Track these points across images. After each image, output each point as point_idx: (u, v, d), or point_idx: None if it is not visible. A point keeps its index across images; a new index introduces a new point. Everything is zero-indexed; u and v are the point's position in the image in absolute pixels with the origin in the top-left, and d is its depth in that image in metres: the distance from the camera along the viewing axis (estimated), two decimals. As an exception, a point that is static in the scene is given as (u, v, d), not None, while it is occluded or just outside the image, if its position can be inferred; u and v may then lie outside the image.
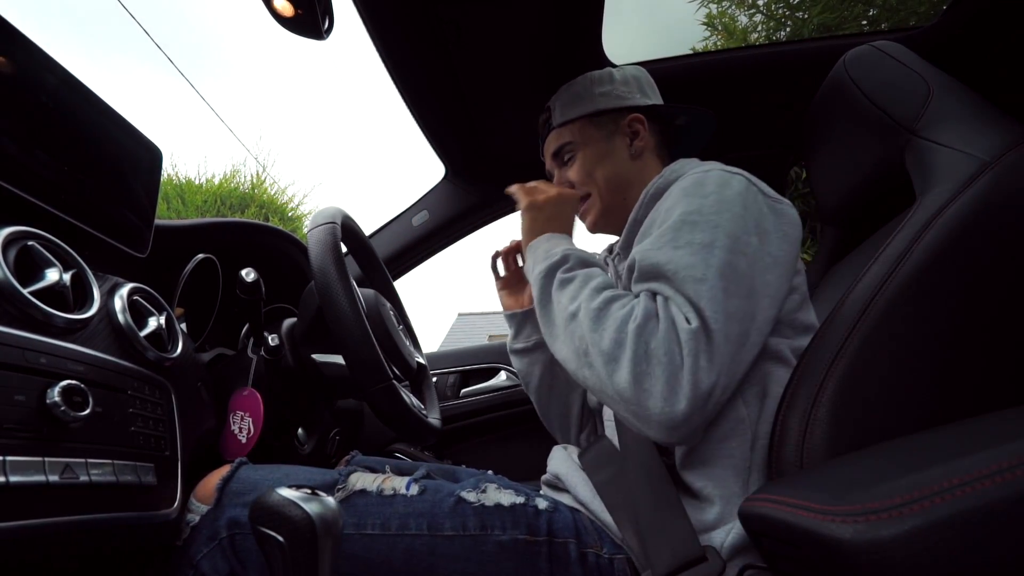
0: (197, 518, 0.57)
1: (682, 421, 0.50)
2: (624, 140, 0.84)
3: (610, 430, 0.74)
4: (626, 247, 0.77)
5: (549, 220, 0.75)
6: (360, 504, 0.59)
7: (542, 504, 0.61)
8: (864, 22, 2.35)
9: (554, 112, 0.86)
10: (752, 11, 2.59)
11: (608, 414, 0.79)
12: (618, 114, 0.84)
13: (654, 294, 0.57)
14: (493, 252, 0.96)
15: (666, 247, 0.58)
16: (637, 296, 0.58)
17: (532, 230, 0.75)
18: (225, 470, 0.60)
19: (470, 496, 0.60)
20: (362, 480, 0.62)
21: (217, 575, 0.54)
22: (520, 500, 0.61)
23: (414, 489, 0.61)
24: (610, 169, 0.83)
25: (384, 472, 0.67)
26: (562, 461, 0.73)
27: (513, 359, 0.92)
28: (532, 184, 0.80)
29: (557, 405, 0.90)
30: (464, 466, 0.91)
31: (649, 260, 0.58)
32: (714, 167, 0.65)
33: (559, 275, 0.64)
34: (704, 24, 2.68)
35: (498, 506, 0.60)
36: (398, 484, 0.62)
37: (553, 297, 0.63)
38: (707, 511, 0.55)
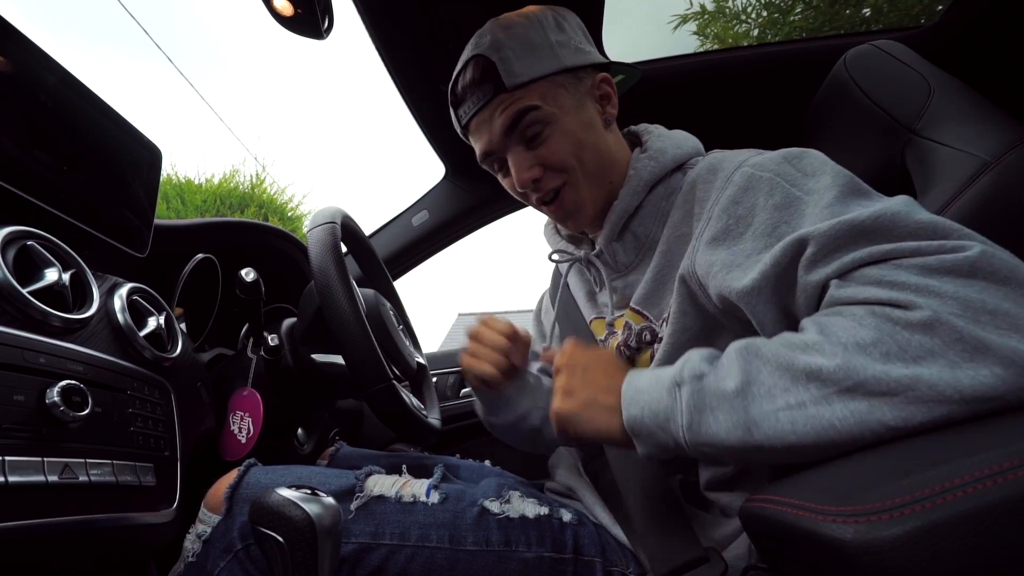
0: (209, 530, 0.54)
1: None
2: (595, 106, 0.66)
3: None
4: (613, 238, 0.67)
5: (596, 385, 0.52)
6: (378, 511, 0.56)
7: (566, 516, 0.59)
8: (859, 22, 2.36)
9: (500, 64, 0.61)
10: (737, 22, 2.59)
11: None
12: (583, 72, 0.65)
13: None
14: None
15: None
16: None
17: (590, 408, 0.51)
18: (233, 476, 0.57)
19: (493, 506, 0.58)
20: (380, 484, 0.59)
21: None
22: (544, 511, 0.59)
23: (435, 496, 0.58)
24: (593, 145, 0.64)
25: (402, 474, 0.65)
26: (570, 471, 0.71)
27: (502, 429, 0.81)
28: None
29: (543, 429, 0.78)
30: (457, 456, 0.91)
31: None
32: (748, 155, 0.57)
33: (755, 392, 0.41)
34: (695, 34, 2.68)
35: (523, 518, 0.57)
36: (417, 490, 0.59)
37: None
38: (733, 523, 0.56)
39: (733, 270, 0.51)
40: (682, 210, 0.61)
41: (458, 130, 0.70)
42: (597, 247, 0.69)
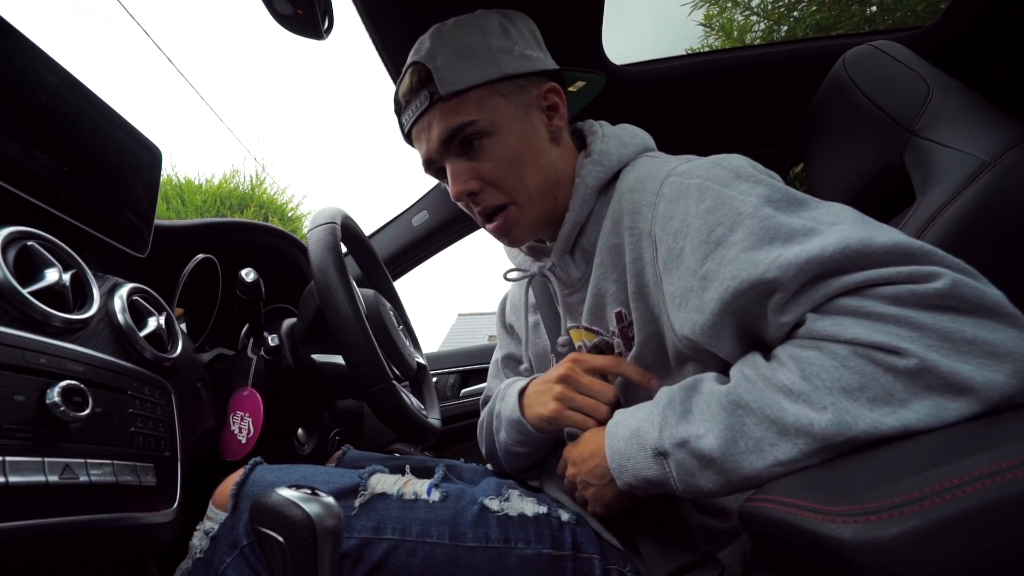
0: (216, 527, 0.54)
1: None
2: (541, 118, 0.63)
3: None
4: (566, 251, 0.66)
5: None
6: (380, 507, 0.57)
7: (565, 516, 0.60)
8: (862, 20, 2.36)
9: (436, 72, 0.58)
10: (747, 12, 2.59)
11: None
12: (527, 81, 0.62)
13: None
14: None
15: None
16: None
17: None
18: (240, 473, 0.58)
19: (493, 504, 0.59)
20: (383, 482, 0.60)
21: None
22: (543, 510, 0.59)
23: (436, 495, 0.59)
24: (536, 161, 0.61)
25: (404, 474, 0.65)
26: (559, 485, 0.70)
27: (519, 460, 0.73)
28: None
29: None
30: (462, 460, 0.91)
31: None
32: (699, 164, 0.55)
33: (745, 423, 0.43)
34: (701, 24, 2.68)
35: (522, 516, 0.58)
36: (419, 488, 0.60)
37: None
38: (731, 521, 0.57)
39: (688, 298, 0.50)
40: (611, 219, 0.60)
41: (403, 137, 0.69)
42: (551, 261, 0.67)
